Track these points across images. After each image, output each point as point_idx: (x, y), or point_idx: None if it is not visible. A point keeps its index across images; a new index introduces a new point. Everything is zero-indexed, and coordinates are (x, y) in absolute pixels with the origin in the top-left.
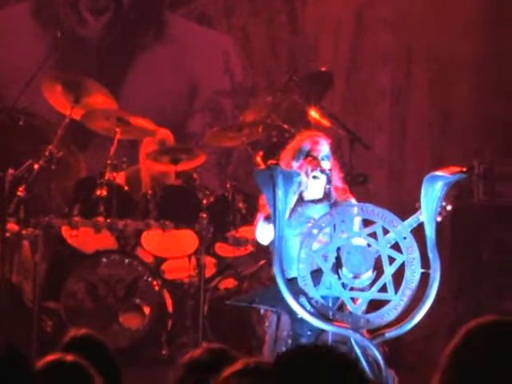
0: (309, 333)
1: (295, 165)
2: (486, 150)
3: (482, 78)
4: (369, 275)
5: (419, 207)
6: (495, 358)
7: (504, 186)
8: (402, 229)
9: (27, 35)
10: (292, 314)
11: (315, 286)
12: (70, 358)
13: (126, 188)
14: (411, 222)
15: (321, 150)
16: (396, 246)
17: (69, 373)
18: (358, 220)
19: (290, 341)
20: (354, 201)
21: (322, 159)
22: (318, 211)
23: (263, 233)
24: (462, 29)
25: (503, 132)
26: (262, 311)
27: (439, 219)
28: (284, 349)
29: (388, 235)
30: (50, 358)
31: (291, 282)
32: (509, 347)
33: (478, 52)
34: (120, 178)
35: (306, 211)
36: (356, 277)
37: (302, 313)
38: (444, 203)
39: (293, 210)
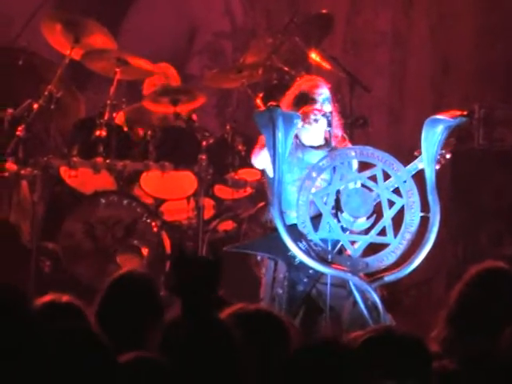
0: (305, 280)
1: (296, 109)
2: (487, 95)
3: (483, 23)
4: (363, 221)
5: (418, 155)
6: (498, 302)
7: (504, 130)
8: (402, 172)
9: None
10: (289, 261)
11: (314, 230)
12: (65, 298)
13: (125, 128)
14: (410, 169)
15: (321, 93)
16: (396, 190)
17: (63, 312)
18: (355, 165)
19: (286, 283)
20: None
21: (323, 102)
22: (318, 157)
23: (258, 156)
24: None
25: (504, 77)
26: (259, 258)
27: (438, 167)
28: (281, 291)
29: (388, 181)
30: (46, 298)
31: (290, 228)
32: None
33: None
34: (118, 118)
35: (306, 157)
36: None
37: (301, 256)
38: (443, 151)
39: (293, 156)
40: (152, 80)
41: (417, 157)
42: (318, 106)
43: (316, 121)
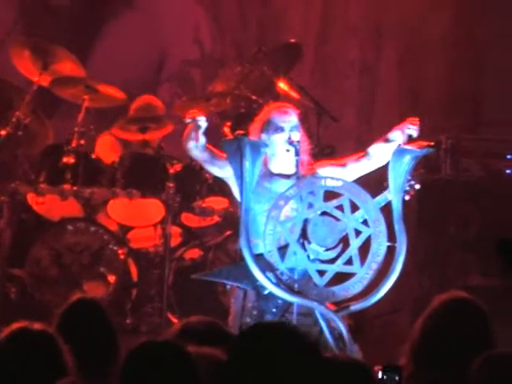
0: (274, 310)
1: (264, 136)
2: (454, 125)
3: (451, 54)
4: (330, 252)
5: (387, 186)
6: (463, 334)
7: (470, 161)
8: (368, 202)
9: None
10: (258, 290)
11: (282, 260)
12: (37, 326)
13: (93, 156)
14: (379, 200)
15: (289, 121)
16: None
17: (36, 341)
18: (321, 194)
19: (255, 312)
20: (321, 174)
21: (291, 130)
22: (286, 186)
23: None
24: (430, 4)
25: (471, 108)
26: (228, 287)
27: (407, 198)
28: (249, 321)
29: (357, 213)
30: (17, 325)
31: (258, 258)
32: (478, 324)
33: (446, 28)
34: (86, 146)
35: (273, 186)
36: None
37: (267, 285)
38: (413, 182)
39: (261, 186)
40: (136, 110)
41: (386, 187)
42: (285, 134)
43: (287, 151)
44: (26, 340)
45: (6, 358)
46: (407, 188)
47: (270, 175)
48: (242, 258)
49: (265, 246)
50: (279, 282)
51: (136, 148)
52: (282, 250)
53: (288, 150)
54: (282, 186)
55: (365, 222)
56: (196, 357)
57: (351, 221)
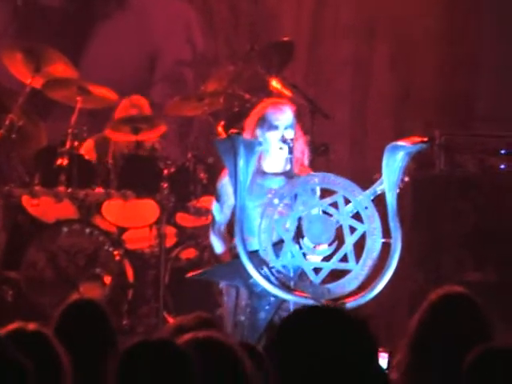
0: (267, 307)
1: (259, 132)
2: (448, 121)
3: (444, 51)
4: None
5: (377, 178)
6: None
7: (465, 156)
8: (363, 198)
9: None
10: (250, 288)
11: (276, 256)
12: (31, 326)
13: (88, 157)
14: (369, 193)
15: (284, 119)
16: (357, 216)
17: (30, 341)
18: (317, 191)
19: (248, 310)
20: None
21: (286, 128)
22: (278, 183)
23: (214, 244)
24: (423, 4)
25: (464, 103)
26: (220, 285)
27: (397, 190)
28: (243, 318)
29: (348, 206)
30: (12, 326)
31: (252, 254)
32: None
33: (439, 26)
34: (88, 144)
35: (266, 183)
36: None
37: (263, 283)
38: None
39: (253, 182)
40: (123, 110)
41: (375, 180)
42: (279, 132)
43: (281, 149)
44: (20, 340)
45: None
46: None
47: (262, 172)
48: (235, 256)
49: (260, 243)
50: (275, 280)
51: (129, 149)
52: (276, 246)
53: (281, 148)
54: (274, 182)
55: (360, 218)
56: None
57: (346, 218)
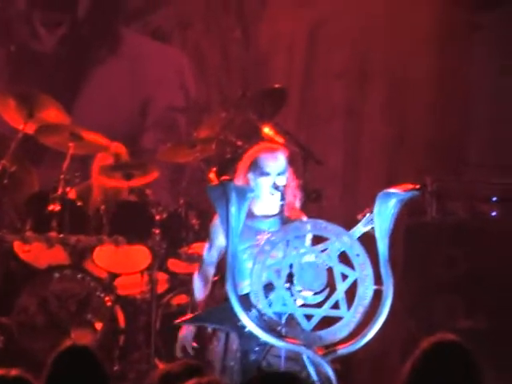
0: (256, 348)
1: (251, 176)
2: (440, 168)
3: (436, 97)
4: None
5: (362, 218)
6: (451, 377)
7: (456, 204)
8: (354, 246)
9: None
10: (239, 330)
11: (267, 299)
12: (13, 372)
13: (79, 203)
14: (354, 233)
15: (277, 166)
16: (349, 262)
17: None
18: (309, 238)
19: (238, 354)
20: (304, 219)
21: (278, 175)
22: (268, 225)
23: (195, 286)
24: (415, 48)
25: (457, 150)
26: (209, 329)
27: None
28: (232, 363)
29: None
30: None
31: (242, 298)
32: (466, 367)
33: (431, 72)
34: (71, 193)
35: (255, 224)
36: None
37: (254, 329)
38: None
39: (243, 224)
40: (102, 157)
41: (359, 220)
42: (271, 178)
43: (272, 194)
44: None
45: None
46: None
47: (252, 215)
48: (225, 300)
49: (252, 291)
50: (266, 327)
51: (120, 195)
52: (266, 288)
53: (272, 194)
54: (264, 224)
55: (351, 265)
56: None
57: (337, 265)
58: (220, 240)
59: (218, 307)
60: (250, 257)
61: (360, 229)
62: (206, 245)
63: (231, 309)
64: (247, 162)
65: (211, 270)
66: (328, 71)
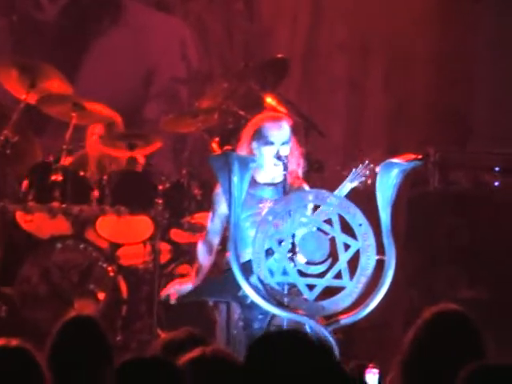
0: (260, 316)
1: (254, 144)
2: (442, 138)
3: (438, 68)
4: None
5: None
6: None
7: (459, 174)
8: (357, 216)
9: None
10: (240, 301)
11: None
12: (14, 342)
13: (81, 173)
14: (341, 191)
15: (281, 135)
16: (351, 232)
17: (12, 356)
18: (310, 207)
19: (241, 323)
20: (307, 187)
21: (282, 144)
22: (269, 193)
23: (199, 253)
24: (418, 20)
25: (459, 120)
26: (210, 303)
27: (369, 182)
28: (236, 332)
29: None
30: None
31: (244, 266)
32: (469, 336)
33: (434, 43)
34: (67, 162)
35: (257, 192)
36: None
37: (256, 299)
38: (372, 165)
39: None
40: (95, 127)
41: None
42: (275, 148)
43: (275, 165)
44: (3, 356)
45: None
46: (368, 173)
47: (254, 183)
48: (225, 271)
49: (253, 259)
50: (269, 297)
51: (124, 165)
52: (267, 253)
53: (276, 165)
54: (266, 192)
55: (354, 235)
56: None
57: (340, 235)
58: (222, 208)
59: (215, 279)
60: (253, 225)
61: (347, 185)
62: (210, 214)
63: (232, 279)
64: (251, 131)
65: (216, 239)
66: (330, 43)
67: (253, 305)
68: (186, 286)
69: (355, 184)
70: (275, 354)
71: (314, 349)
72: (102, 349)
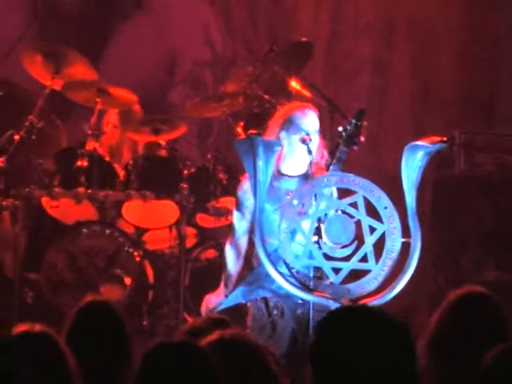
0: (300, 302)
1: (283, 133)
2: (468, 121)
3: (464, 49)
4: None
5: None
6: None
7: (484, 156)
8: (382, 199)
9: (6, 4)
10: (277, 293)
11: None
12: (37, 327)
13: (107, 158)
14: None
15: (312, 125)
16: (377, 215)
17: (36, 342)
18: (335, 191)
19: (275, 311)
20: None
21: (314, 134)
22: (295, 184)
23: (228, 258)
24: (442, 2)
25: (484, 102)
26: (249, 304)
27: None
28: (271, 320)
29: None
30: (20, 328)
31: (272, 255)
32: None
33: (459, 23)
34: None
35: (282, 185)
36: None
37: (283, 283)
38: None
39: (269, 185)
40: (110, 115)
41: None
42: (305, 135)
43: (310, 152)
44: (27, 342)
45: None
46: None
47: (278, 175)
48: (252, 268)
49: (280, 243)
50: (294, 281)
51: (149, 150)
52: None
53: (310, 152)
54: (291, 184)
55: (379, 218)
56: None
57: (365, 218)
58: (249, 205)
59: (245, 281)
60: None
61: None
62: (237, 213)
63: (261, 275)
64: (280, 121)
65: (244, 240)
66: (355, 25)
67: (289, 293)
68: (220, 298)
69: (348, 148)
70: (350, 329)
71: (393, 326)
72: (118, 334)
